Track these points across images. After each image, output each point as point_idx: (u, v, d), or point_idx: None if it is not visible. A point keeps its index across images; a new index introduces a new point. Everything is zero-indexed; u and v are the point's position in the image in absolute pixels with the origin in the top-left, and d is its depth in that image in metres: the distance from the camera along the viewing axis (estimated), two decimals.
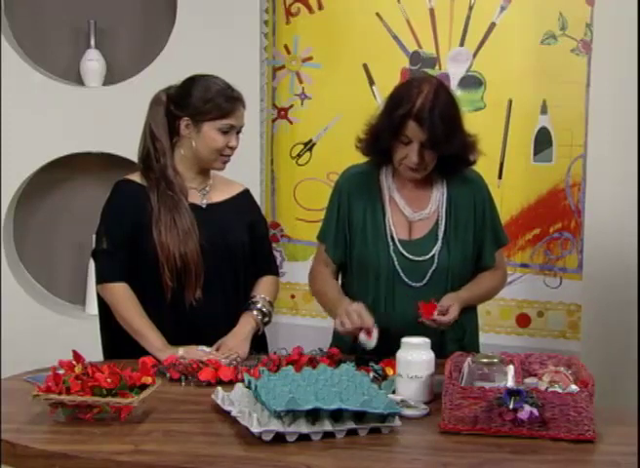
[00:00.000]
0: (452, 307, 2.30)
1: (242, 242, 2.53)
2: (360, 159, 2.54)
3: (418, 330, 2.24)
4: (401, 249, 2.40)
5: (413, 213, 2.44)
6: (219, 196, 2.55)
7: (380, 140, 2.37)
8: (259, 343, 2.53)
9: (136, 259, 2.43)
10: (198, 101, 2.44)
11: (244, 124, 2.50)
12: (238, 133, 2.49)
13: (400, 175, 2.43)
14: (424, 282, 2.40)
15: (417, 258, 2.40)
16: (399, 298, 2.40)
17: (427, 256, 2.40)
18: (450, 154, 2.34)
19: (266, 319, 2.52)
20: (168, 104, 2.48)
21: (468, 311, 2.48)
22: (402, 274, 2.40)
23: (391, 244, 2.41)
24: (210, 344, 2.40)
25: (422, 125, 2.27)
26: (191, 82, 2.48)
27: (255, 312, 2.50)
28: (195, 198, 2.50)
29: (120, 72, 3.71)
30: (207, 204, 2.52)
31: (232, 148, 2.48)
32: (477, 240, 2.46)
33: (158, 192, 2.44)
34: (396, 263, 2.40)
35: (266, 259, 2.63)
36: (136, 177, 2.51)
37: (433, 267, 2.40)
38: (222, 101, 2.44)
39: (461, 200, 2.45)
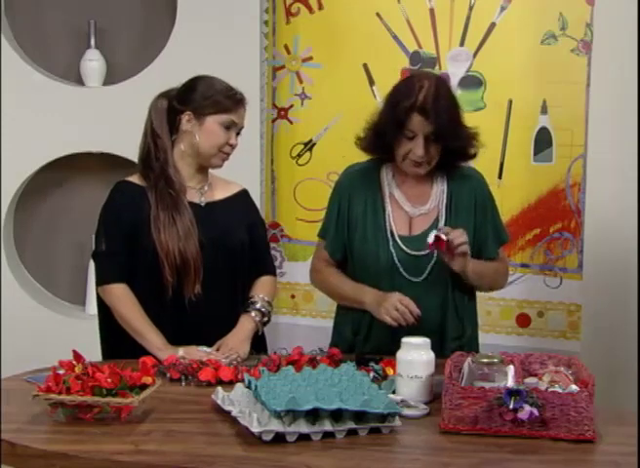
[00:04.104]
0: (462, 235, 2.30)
1: (241, 240, 2.53)
2: (360, 158, 2.54)
3: (418, 324, 2.25)
4: (401, 244, 2.41)
5: (413, 208, 2.45)
6: (217, 195, 2.55)
7: (385, 136, 2.38)
8: (258, 343, 2.53)
9: (135, 259, 2.43)
10: (202, 95, 2.46)
11: (244, 125, 2.51)
12: (238, 134, 2.50)
13: (401, 171, 2.44)
14: (424, 276, 2.41)
15: (416, 253, 2.40)
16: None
17: (427, 251, 2.40)
18: (454, 146, 2.36)
19: (265, 319, 2.52)
20: (170, 102, 2.49)
21: (468, 310, 2.50)
22: (401, 269, 2.40)
23: (391, 239, 2.42)
24: (210, 344, 2.40)
25: (428, 117, 2.30)
26: (195, 80, 2.51)
27: (254, 312, 2.50)
28: (194, 196, 2.50)
29: (120, 72, 3.71)
30: (206, 202, 2.52)
31: (232, 146, 2.49)
32: (477, 236, 2.46)
33: (157, 191, 2.44)
34: (395, 259, 2.41)
35: (264, 259, 2.63)
36: (134, 179, 2.51)
37: (433, 262, 2.41)
38: (225, 98, 2.46)
39: (462, 196, 2.46)
